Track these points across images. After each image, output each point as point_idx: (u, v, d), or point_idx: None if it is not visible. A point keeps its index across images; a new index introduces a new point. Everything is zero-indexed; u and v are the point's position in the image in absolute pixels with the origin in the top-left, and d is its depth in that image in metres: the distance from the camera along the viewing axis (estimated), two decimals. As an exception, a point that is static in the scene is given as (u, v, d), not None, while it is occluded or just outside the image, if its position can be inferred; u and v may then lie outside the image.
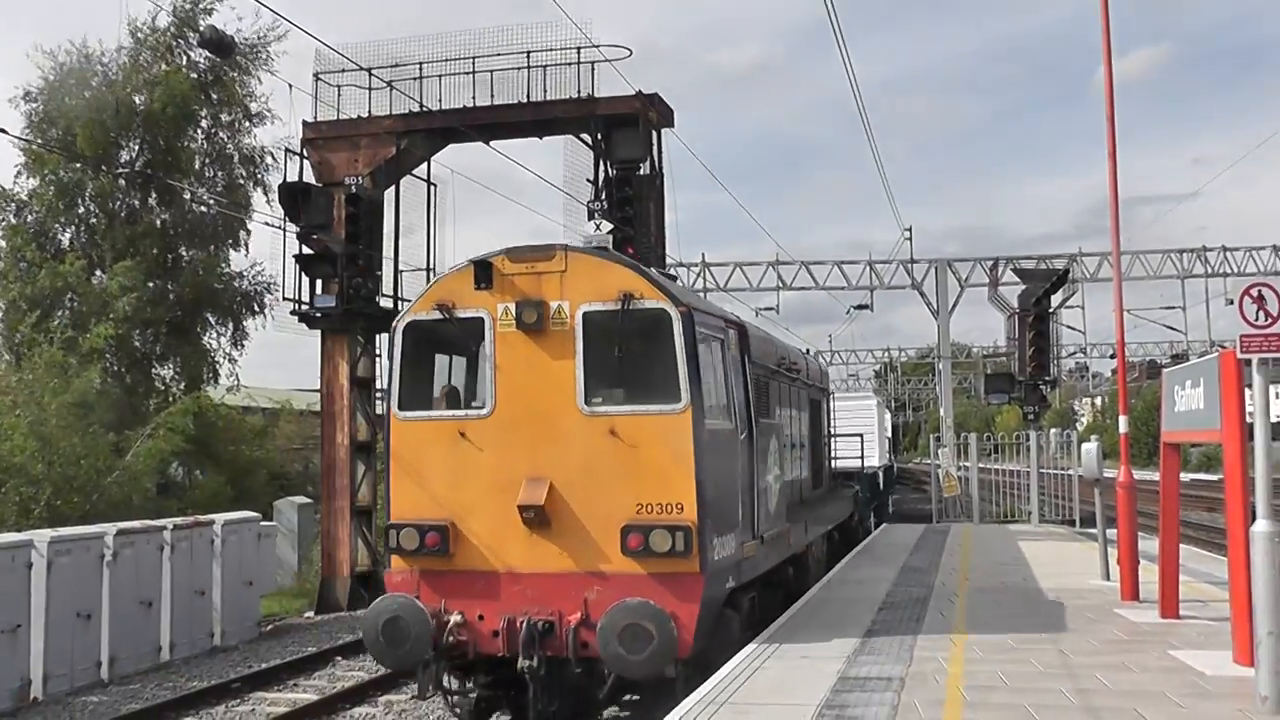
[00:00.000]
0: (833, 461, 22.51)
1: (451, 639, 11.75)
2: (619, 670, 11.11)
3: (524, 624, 11.48)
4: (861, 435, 27.76)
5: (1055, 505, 29.49)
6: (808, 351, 22.31)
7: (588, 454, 11.75)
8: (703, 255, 44.38)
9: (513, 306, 12.06)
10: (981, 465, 30.49)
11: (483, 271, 12.14)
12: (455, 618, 11.78)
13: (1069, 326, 42.91)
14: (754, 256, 44.58)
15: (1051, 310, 30.73)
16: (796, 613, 14.42)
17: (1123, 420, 14.98)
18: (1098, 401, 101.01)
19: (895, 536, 25.15)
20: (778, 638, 12.62)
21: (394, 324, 12.76)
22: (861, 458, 27.17)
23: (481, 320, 12.21)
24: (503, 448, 12.00)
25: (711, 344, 12.36)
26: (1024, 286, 30.23)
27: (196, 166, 35.27)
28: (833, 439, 22.40)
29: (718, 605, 11.99)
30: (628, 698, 13.23)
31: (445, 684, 12.18)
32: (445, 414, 12.33)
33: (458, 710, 12.59)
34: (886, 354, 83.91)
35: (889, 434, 40.44)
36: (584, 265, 12.05)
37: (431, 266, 25.97)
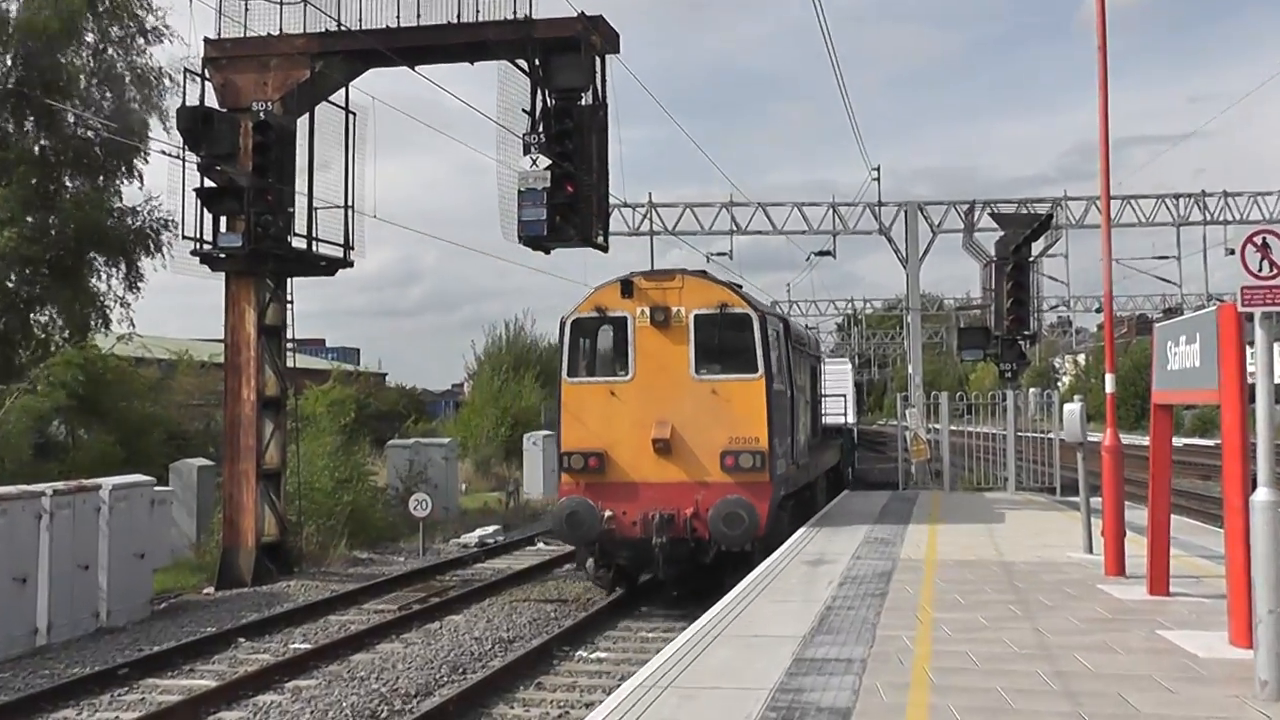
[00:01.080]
0: (824, 417, 29.98)
1: (607, 527, 19.60)
2: (721, 542, 19.06)
3: (655, 517, 19.31)
4: (845, 395, 31.72)
5: (1034, 472, 29.59)
6: (810, 328, 30.86)
7: (696, 405, 19.77)
8: (649, 195, 44.13)
9: (648, 309, 20.17)
10: (954, 428, 30.44)
11: (627, 287, 20.34)
12: (608, 513, 19.61)
13: (1050, 277, 43.13)
14: (707, 197, 44.39)
15: (1032, 259, 30.66)
16: (747, 588, 14.39)
17: (1109, 379, 14.98)
18: (1081, 359, 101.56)
19: (857, 505, 25.02)
20: (726, 617, 12.61)
21: (563, 320, 20.69)
22: (845, 414, 33.76)
23: (626, 318, 20.31)
24: (639, 401, 19.93)
25: (772, 334, 20.34)
26: (1002, 233, 30.12)
27: (82, 87, 34.52)
28: (824, 398, 29.92)
29: (778, 505, 19.99)
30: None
31: (591, 565, 20.46)
32: (600, 379, 20.33)
33: (599, 581, 20.97)
34: (850, 305, 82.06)
35: (851, 394, 40.77)
36: (694, 283, 20.42)
37: (350, 204, 25.60)
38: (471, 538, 30.88)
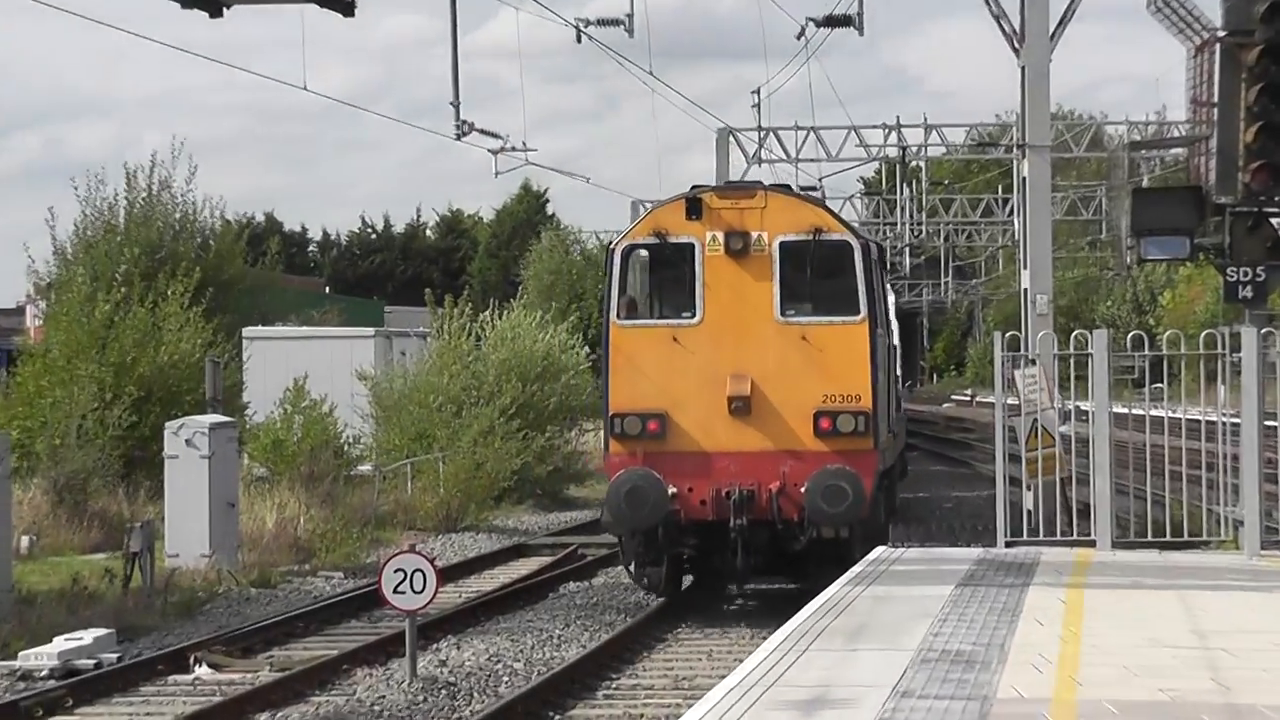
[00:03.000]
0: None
1: (668, 507, 18.31)
2: (820, 522, 18.23)
3: (733, 493, 18.16)
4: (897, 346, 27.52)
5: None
6: (808, 189, 25.10)
7: (782, 355, 18.73)
8: None
9: (721, 235, 18.76)
10: (1119, 408, 21.08)
11: (694, 206, 18.87)
12: (671, 491, 18.27)
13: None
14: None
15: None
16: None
17: None
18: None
19: (907, 574, 16.62)
20: None
21: (612, 246, 19.69)
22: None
23: (692, 245, 18.86)
24: (710, 350, 18.77)
25: (874, 265, 19.76)
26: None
27: None
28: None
29: (880, 480, 19.47)
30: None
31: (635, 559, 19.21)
32: (659, 321, 19.44)
33: (648, 582, 19.55)
34: (890, 139, 44.34)
35: (893, 338, 26.54)
36: (780, 202, 19.24)
37: None
38: (41, 658, 15.91)
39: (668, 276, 19.77)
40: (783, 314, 18.55)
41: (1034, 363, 20.49)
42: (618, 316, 18.95)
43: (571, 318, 44.18)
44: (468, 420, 31.69)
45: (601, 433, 19.74)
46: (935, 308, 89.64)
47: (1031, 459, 19.72)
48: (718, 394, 18.37)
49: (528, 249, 71.96)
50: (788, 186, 20.18)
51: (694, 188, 19.33)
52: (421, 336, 38.15)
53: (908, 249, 64.60)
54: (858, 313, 18.65)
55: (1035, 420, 19.75)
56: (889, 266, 27.29)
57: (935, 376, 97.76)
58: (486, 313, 36.40)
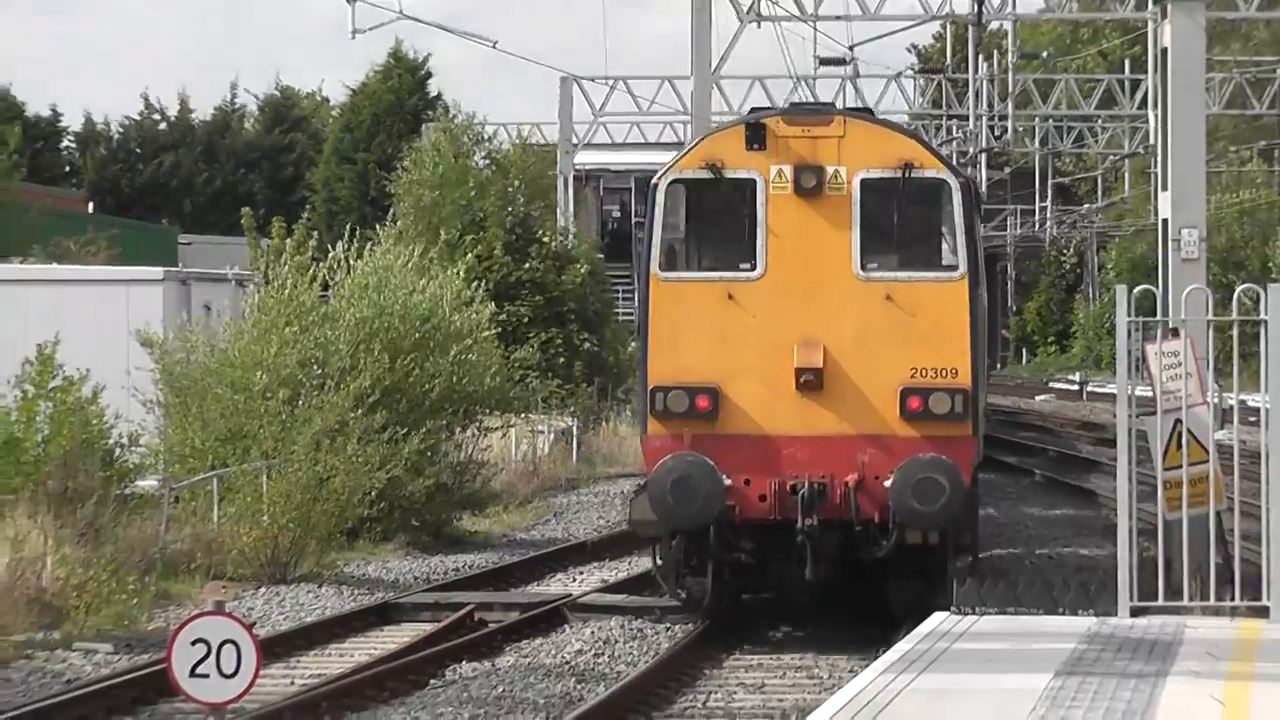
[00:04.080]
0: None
1: (723, 502, 21.76)
2: (911, 523, 21.56)
3: (801, 487, 21.62)
4: None
5: None
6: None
7: (863, 318, 22.21)
8: None
9: (788, 169, 22.29)
10: None
11: (756, 133, 22.31)
12: (724, 482, 21.70)
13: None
14: None
15: None
16: None
17: None
18: None
19: (967, 709, 16.04)
20: None
21: (655, 180, 22.98)
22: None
23: (754, 182, 22.41)
24: (774, 311, 22.33)
25: (973, 210, 23.65)
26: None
27: None
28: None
29: (975, 471, 23.86)
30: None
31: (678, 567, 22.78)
32: (712, 275, 22.83)
33: (690, 596, 22.88)
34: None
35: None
36: (862, 130, 22.80)
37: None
38: None
39: (723, 220, 23.26)
40: (864, 268, 22.12)
41: (1177, 333, 21.30)
42: (661, 268, 22.52)
43: (468, 256, 44.54)
44: (307, 412, 31.84)
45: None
46: (1026, 248, 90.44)
47: (1172, 481, 20.20)
48: (783, 365, 21.90)
49: (400, 150, 72.11)
50: (870, 110, 24.53)
51: (754, 110, 23.19)
52: (237, 282, 38.16)
53: (983, 156, 65.09)
54: (956, 268, 22.28)
55: (1178, 421, 20.33)
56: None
57: (1025, 353, 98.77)
58: (338, 247, 36.37)
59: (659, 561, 23.56)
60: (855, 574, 22.37)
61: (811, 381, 21.84)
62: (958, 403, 21.91)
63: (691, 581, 22.69)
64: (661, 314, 22.54)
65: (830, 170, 22.17)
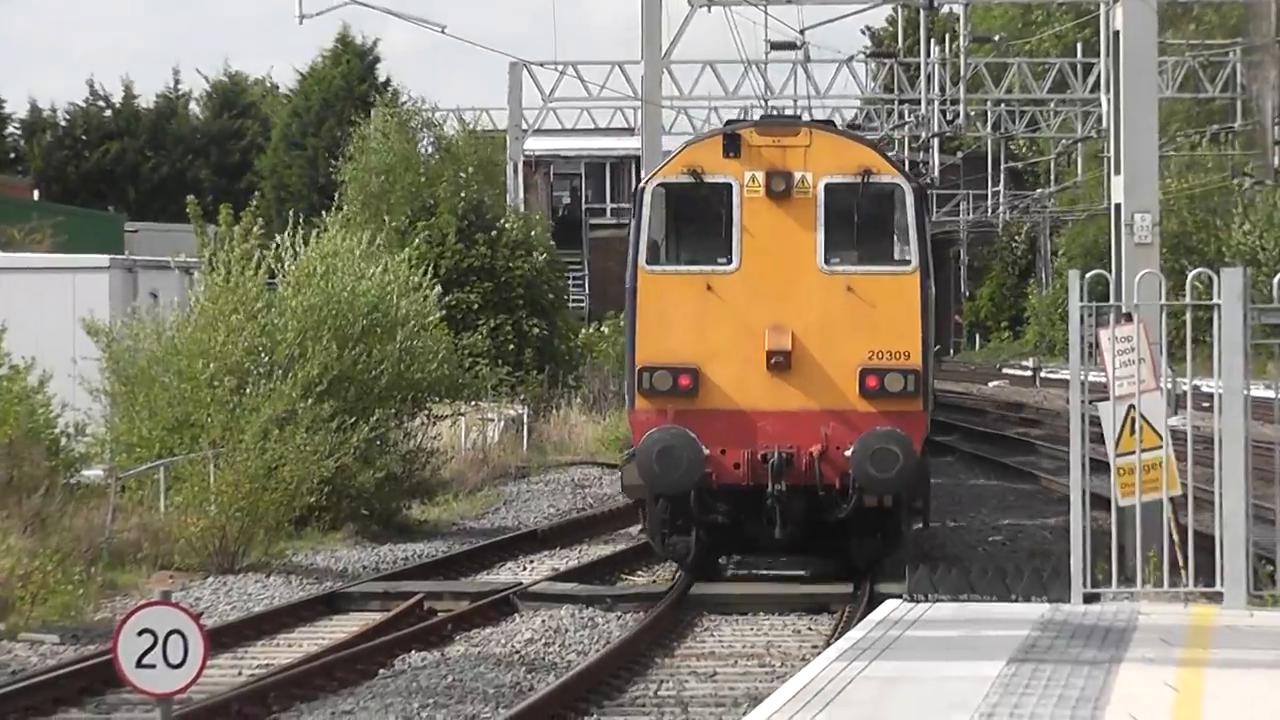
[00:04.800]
0: None
1: (703, 470, 24.67)
2: (869, 488, 24.55)
3: (771, 456, 24.59)
4: None
5: None
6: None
7: (826, 307, 25.24)
8: None
9: (761, 175, 25.38)
10: (1262, 390, 22.86)
11: (732, 143, 25.36)
12: (703, 452, 24.52)
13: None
14: None
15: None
16: None
17: None
18: None
19: (919, 695, 15.73)
20: None
21: (641, 184, 27.00)
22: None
23: (730, 186, 25.46)
24: (747, 300, 25.39)
25: (924, 211, 26.35)
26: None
27: None
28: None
29: (925, 444, 26.33)
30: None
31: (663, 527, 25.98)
32: (693, 268, 25.88)
33: (674, 553, 26.41)
34: None
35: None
36: (826, 141, 26.06)
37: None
38: None
39: (702, 219, 26.05)
40: (827, 263, 25.24)
41: (1130, 318, 21.27)
42: (647, 262, 25.56)
43: (416, 241, 44.40)
44: (254, 401, 31.95)
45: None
46: (978, 233, 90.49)
47: (1125, 468, 20.28)
48: (755, 348, 24.99)
49: (348, 135, 71.75)
50: (832, 123, 27.41)
51: (729, 123, 26.21)
52: (184, 270, 37.99)
53: (935, 140, 65.20)
54: (909, 263, 25.30)
55: (1131, 407, 20.38)
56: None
57: (977, 339, 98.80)
58: (284, 234, 36.32)
59: (645, 521, 26.86)
60: (821, 532, 25.09)
61: (781, 363, 24.79)
62: (910, 382, 24.85)
63: (675, 539, 25.80)
64: (648, 303, 25.50)
65: (798, 176, 25.17)
